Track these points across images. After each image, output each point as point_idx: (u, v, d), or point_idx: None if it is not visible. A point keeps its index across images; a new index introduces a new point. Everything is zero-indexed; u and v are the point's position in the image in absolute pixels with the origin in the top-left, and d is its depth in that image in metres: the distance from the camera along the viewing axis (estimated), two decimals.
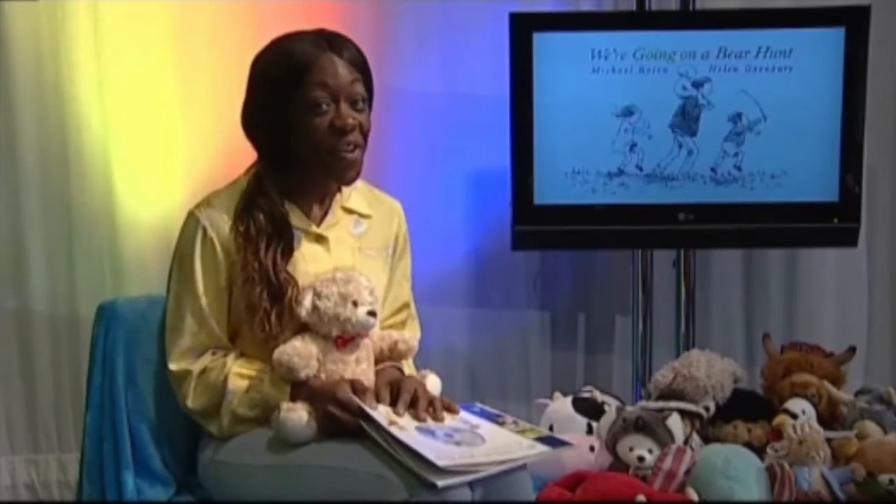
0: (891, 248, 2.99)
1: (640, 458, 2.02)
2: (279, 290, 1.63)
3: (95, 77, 2.70)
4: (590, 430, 2.18)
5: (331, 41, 1.66)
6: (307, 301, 1.64)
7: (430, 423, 1.58)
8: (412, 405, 1.60)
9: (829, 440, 2.04)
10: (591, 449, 2.11)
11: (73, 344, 2.72)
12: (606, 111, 2.60)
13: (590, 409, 2.24)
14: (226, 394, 1.65)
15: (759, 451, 2.07)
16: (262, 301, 1.62)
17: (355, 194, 1.80)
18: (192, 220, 1.69)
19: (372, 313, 1.65)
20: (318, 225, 1.74)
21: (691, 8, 2.77)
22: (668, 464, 1.95)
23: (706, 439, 2.20)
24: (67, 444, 2.80)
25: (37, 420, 2.80)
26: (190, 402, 1.67)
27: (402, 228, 1.87)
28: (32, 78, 2.69)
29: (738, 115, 2.60)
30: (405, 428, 1.53)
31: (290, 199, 1.72)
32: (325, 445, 1.57)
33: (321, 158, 1.66)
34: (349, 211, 1.78)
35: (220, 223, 1.67)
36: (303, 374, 1.61)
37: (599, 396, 2.34)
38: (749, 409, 2.25)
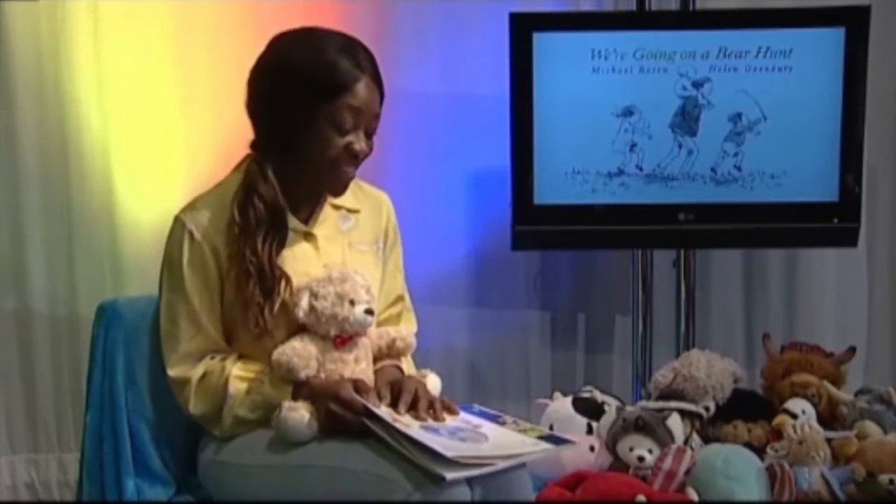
0: (891, 248, 2.99)
1: (640, 458, 2.02)
2: (272, 285, 1.63)
3: (95, 77, 2.70)
4: (590, 430, 2.18)
5: (372, 64, 1.66)
6: (304, 302, 1.63)
7: (432, 422, 1.58)
8: (413, 406, 1.59)
9: (829, 440, 2.04)
10: (591, 449, 2.10)
11: (73, 344, 2.72)
12: (606, 111, 2.60)
13: (590, 409, 2.24)
14: (227, 397, 1.64)
15: (759, 451, 2.07)
16: (255, 296, 1.62)
17: None
18: (178, 224, 1.68)
19: (369, 311, 1.65)
20: (306, 223, 1.73)
21: (691, 8, 2.77)
22: (668, 464, 1.95)
23: (706, 439, 2.20)
24: (67, 444, 2.79)
25: (37, 420, 2.79)
26: (191, 408, 1.67)
27: (392, 220, 1.86)
28: (32, 78, 2.69)
29: (738, 115, 2.60)
30: (409, 426, 1.53)
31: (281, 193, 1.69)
32: (325, 445, 1.56)
33: (323, 168, 1.66)
34: (336, 207, 1.77)
35: (207, 226, 1.66)
36: (302, 375, 1.61)
37: (599, 396, 2.33)
38: (749, 409, 2.25)
